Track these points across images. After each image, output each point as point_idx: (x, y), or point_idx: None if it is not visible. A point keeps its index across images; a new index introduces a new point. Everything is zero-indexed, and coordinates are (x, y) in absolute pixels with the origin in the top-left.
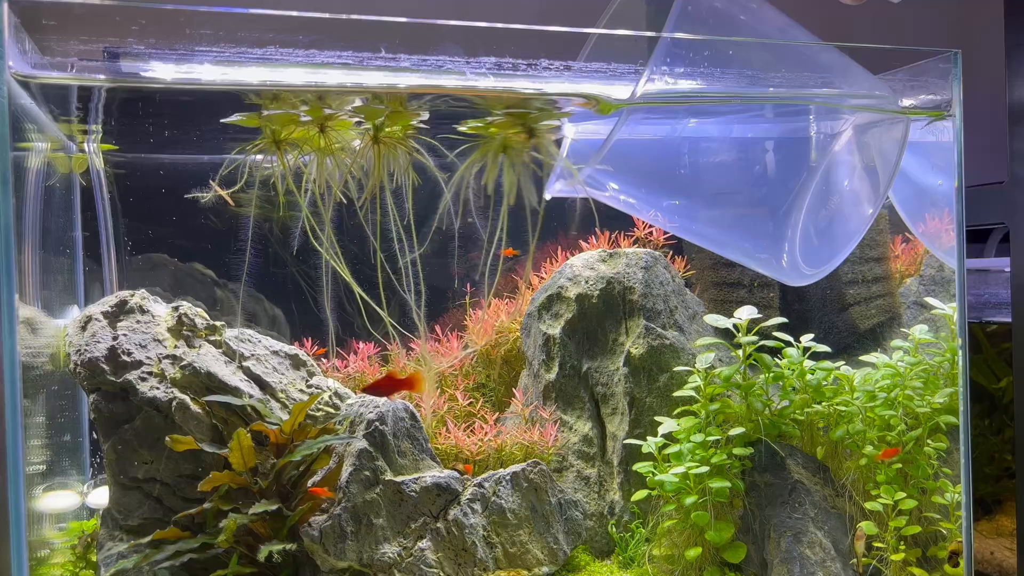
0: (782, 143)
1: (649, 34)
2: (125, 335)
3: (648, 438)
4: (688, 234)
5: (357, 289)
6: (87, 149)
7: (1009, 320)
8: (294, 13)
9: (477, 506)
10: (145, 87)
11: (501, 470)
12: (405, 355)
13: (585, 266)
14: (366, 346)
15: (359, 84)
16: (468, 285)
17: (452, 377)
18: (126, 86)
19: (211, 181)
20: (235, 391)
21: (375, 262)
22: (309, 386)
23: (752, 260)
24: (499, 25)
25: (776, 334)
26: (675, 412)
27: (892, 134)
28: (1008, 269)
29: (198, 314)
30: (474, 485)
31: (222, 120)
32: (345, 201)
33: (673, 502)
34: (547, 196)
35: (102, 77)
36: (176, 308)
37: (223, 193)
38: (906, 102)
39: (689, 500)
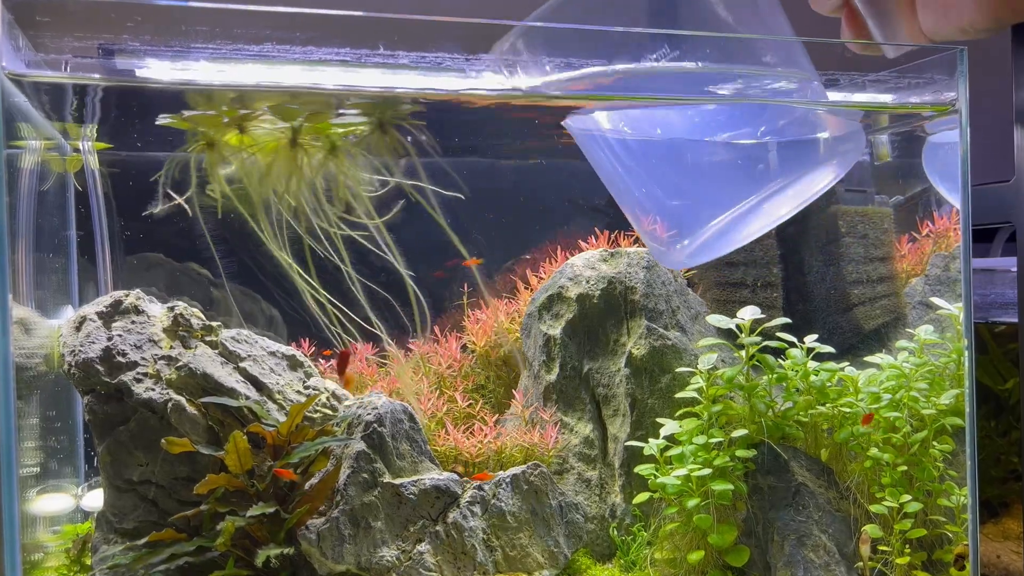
0: (735, 146)
1: (649, 30)
2: (120, 336)
3: (650, 440)
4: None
5: (307, 289)
6: (82, 148)
7: (1015, 320)
8: (291, 9)
9: (477, 509)
10: (141, 87)
11: (501, 472)
12: (403, 355)
13: (586, 266)
14: (364, 347)
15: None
16: (465, 285)
17: (451, 378)
18: (122, 85)
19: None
20: (231, 392)
21: (336, 266)
22: (307, 387)
23: (641, 229)
24: (501, 21)
25: (779, 335)
26: (677, 414)
27: (839, 148)
28: (1014, 269)
29: (194, 314)
30: (473, 488)
31: (156, 123)
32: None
33: (675, 505)
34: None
35: (97, 76)
36: (172, 308)
37: (179, 200)
38: (912, 100)
39: (691, 503)
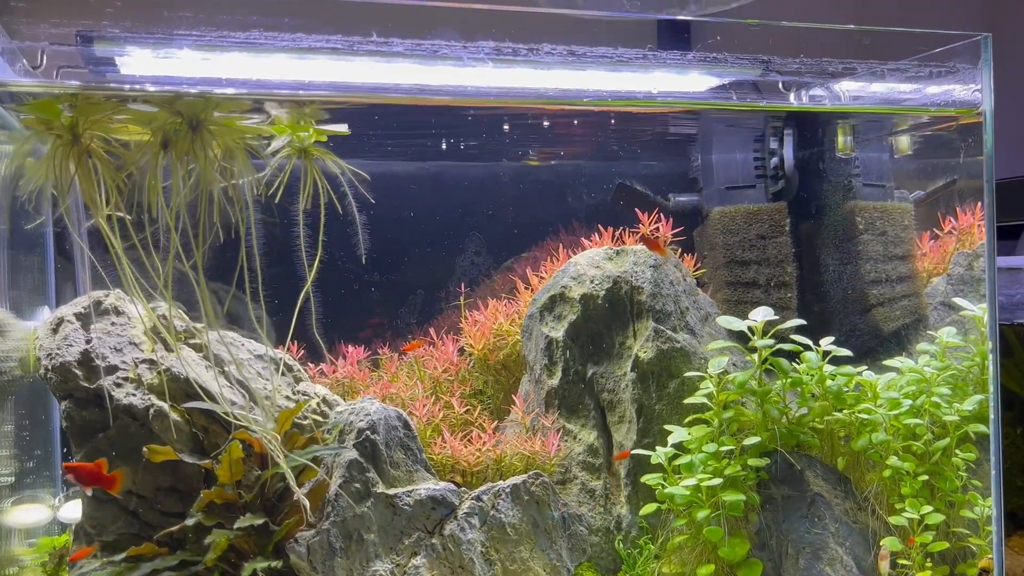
0: None
1: (658, 16)
2: (99, 338)
3: (657, 448)
4: None
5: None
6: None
7: None
8: None
9: (475, 520)
10: (125, 94)
11: (500, 482)
12: (398, 359)
13: (590, 264)
14: (355, 350)
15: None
16: (463, 285)
17: (448, 383)
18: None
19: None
20: (217, 398)
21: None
22: (296, 392)
23: None
24: (498, 7)
25: (794, 337)
26: (686, 420)
27: None
28: None
29: (177, 315)
30: (472, 498)
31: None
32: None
33: (684, 516)
34: None
35: (76, 84)
36: (154, 309)
37: (128, 217)
38: (933, 90)
39: (701, 514)
